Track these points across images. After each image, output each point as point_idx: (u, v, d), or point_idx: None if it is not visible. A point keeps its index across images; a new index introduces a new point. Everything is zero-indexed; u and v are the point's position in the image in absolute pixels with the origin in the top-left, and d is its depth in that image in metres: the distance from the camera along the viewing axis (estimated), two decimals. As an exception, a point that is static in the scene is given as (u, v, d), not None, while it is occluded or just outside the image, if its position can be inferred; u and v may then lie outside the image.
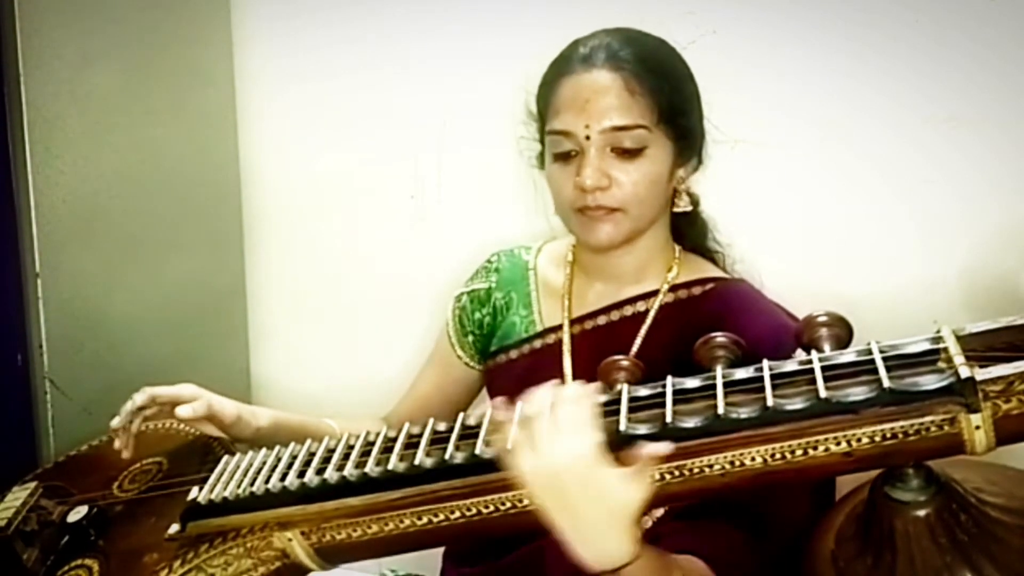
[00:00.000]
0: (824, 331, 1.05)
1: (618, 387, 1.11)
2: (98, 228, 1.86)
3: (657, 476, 1.03)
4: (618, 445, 1.02)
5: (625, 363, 1.14)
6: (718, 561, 1.26)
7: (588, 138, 1.39)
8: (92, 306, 1.86)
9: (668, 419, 1.01)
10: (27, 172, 1.71)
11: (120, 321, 1.92)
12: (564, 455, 1.01)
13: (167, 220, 2.04)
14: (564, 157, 1.43)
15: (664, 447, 1.00)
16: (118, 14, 1.88)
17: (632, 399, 1.07)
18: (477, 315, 1.65)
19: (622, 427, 1.03)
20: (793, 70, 1.78)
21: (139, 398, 1.44)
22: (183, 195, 2.09)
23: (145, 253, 1.99)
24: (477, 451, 1.08)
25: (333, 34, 2.14)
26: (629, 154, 1.39)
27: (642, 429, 1.02)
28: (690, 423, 1.00)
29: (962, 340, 0.97)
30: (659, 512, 1.38)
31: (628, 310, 1.51)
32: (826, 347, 1.04)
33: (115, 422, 1.46)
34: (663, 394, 1.06)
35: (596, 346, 1.48)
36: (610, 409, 1.07)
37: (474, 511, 1.09)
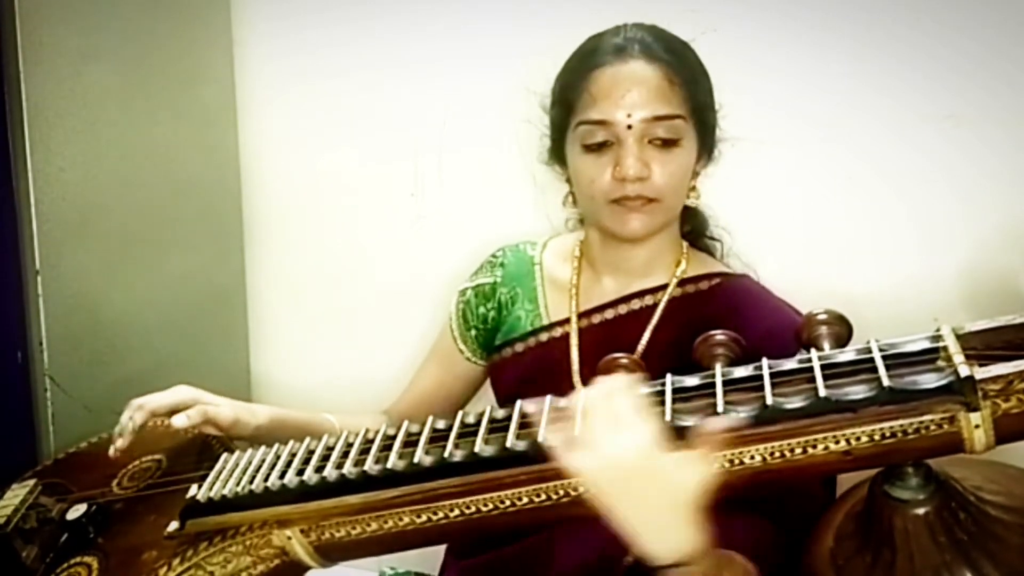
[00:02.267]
0: (824, 329, 1.05)
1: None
2: (98, 225, 1.86)
3: None
4: (678, 432, 1.01)
5: (624, 361, 1.15)
6: (754, 553, 1.26)
7: (629, 127, 1.39)
8: (92, 303, 1.85)
9: (667, 417, 1.01)
10: (27, 169, 1.70)
11: (120, 318, 1.92)
12: (624, 449, 0.99)
13: (167, 218, 2.04)
14: (597, 148, 1.43)
15: (719, 422, 0.98)
16: (118, 11, 1.88)
17: (631, 397, 1.07)
18: (481, 310, 1.66)
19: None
20: (794, 68, 1.78)
21: (136, 417, 1.42)
22: (183, 192, 2.08)
23: (145, 251, 1.99)
24: (476, 449, 1.08)
25: (333, 31, 2.13)
26: (666, 145, 1.41)
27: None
28: (689, 422, 1.01)
29: (962, 339, 0.97)
30: None
31: (636, 304, 1.51)
32: (826, 345, 1.04)
33: (119, 444, 1.44)
34: (663, 392, 1.06)
35: (604, 340, 1.48)
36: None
37: (473, 509, 1.09)
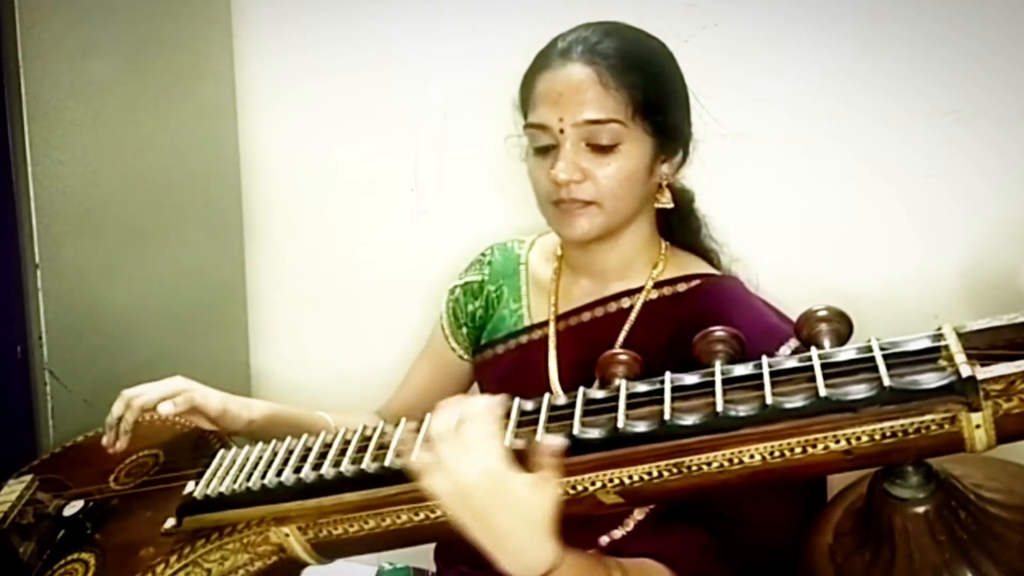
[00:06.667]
0: (824, 326, 1.05)
1: (616, 382, 1.11)
2: (98, 220, 1.86)
3: (655, 473, 1.03)
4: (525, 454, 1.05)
5: (624, 357, 1.14)
6: (680, 564, 1.28)
7: (562, 132, 1.38)
8: (92, 298, 1.85)
9: (666, 416, 1.01)
10: (27, 164, 1.70)
11: (120, 313, 1.92)
12: (471, 472, 1.04)
13: (167, 212, 2.04)
14: (542, 151, 1.42)
15: (556, 440, 1.03)
16: (118, 5, 1.87)
17: (630, 395, 1.07)
18: (470, 307, 1.65)
19: (620, 424, 1.02)
20: (794, 65, 1.77)
21: (127, 417, 1.43)
22: (183, 187, 2.08)
23: (145, 245, 1.98)
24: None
25: (333, 25, 2.13)
26: (603, 149, 1.38)
27: (640, 427, 1.02)
28: (688, 420, 1.00)
29: (963, 338, 0.97)
30: (640, 516, 1.38)
31: (612, 306, 1.50)
32: (826, 342, 1.04)
33: (106, 441, 1.45)
34: (661, 391, 1.05)
35: (581, 342, 1.48)
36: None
37: (470, 507, 1.09)
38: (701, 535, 1.33)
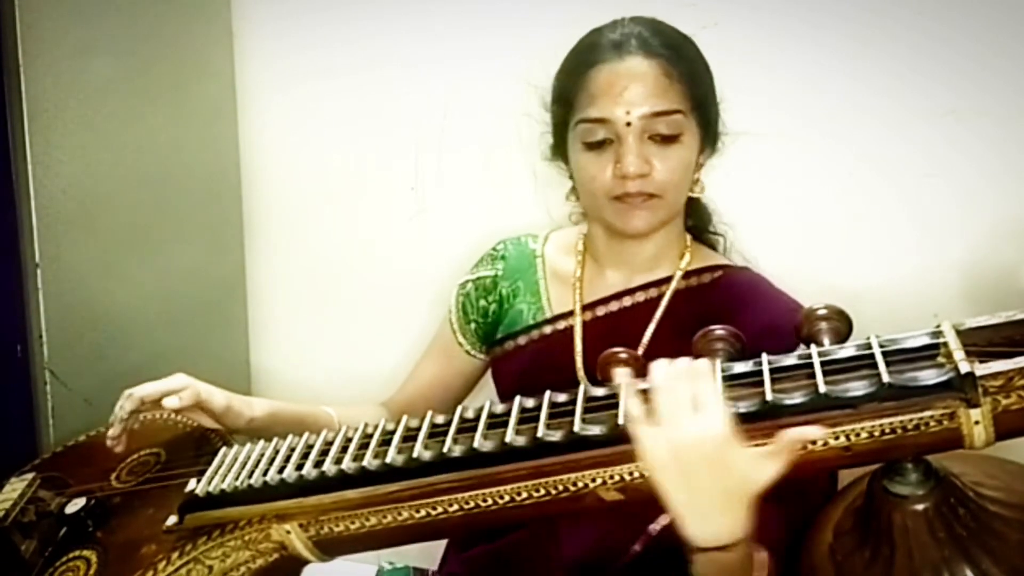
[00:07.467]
0: (823, 324, 1.05)
1: (617, 380, 1.10)
2: (98, 219, 1.85)
3: None
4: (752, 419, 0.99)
5: (624, 356, 1.14)
6: (771, 543, 1.26)
7: (628, 124, 1.38)
8: (92, 297, 1.85)
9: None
10: (27, 162, 1.70)
11: (120, 312, 1.92)
12: (693, 432, 0.98)
13: (167, 211, 2.04)
14: (596, 146, 1.42)
15: (814, 431, 0.96)
16: (118, 4, 1.87)
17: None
18: (482, 303, 1.65)
19: (621, 421, 1.02)
20: (794, 63, 1.78)
21: (125, 405, 1.42)
22: (183, 186, 2.08)
23: (145, 244, 1.98)
24: (475, 444, 1.08)
25: (334, 23, 2.13)
26: (666, 140, 1.40)
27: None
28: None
29: (962, 335, 0.97)
30: None
31: (640, 296, 1.51)
32: (825, 340, 1.04)
33: (111, 432, 1.44)
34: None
35: (608, 332, 1.48)
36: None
37: (472, 504, 1.09)
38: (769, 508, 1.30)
